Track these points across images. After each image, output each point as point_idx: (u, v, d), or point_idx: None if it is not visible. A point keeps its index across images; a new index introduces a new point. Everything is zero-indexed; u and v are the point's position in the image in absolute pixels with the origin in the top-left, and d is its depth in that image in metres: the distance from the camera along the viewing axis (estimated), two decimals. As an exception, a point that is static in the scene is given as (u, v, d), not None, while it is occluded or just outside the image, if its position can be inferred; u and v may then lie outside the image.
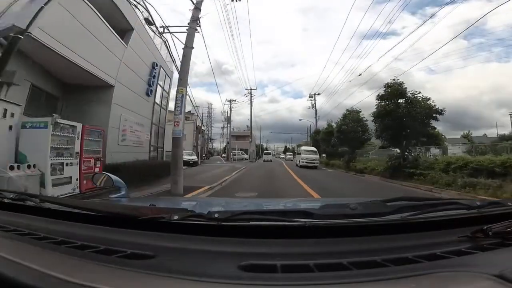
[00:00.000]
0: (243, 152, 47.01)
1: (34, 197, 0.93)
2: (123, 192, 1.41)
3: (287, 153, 53.86)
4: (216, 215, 0.70)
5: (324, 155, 30.19)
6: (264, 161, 39.56)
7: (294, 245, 0.66)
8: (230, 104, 39.55)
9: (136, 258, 0.59)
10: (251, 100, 38.82)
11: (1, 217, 0.85)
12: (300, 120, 44.48)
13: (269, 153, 49.55)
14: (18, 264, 0.54)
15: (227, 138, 54.41)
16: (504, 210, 0.82)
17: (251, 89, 39.08)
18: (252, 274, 0.55)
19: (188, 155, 25.06)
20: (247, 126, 55.91)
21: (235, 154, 42.37)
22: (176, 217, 0.70)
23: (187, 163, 23.97)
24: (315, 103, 38.62)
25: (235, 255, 0.61)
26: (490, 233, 0.67)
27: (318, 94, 38.38)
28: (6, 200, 0.93)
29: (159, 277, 0.53)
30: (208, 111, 60.28)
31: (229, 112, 44.11)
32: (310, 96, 38.77)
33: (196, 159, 24.29)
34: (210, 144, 73.41)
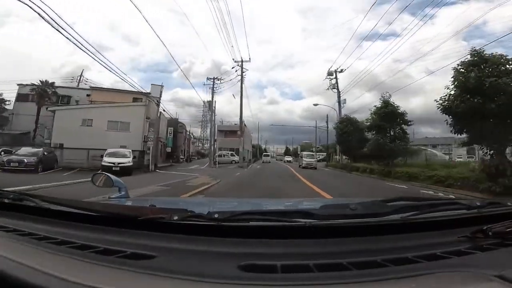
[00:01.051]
0: (232, 153, 35.47)
1: (34, 197, 0.93)
2: (123, 193, 1.40)
3: (305, 152, 32.33)
4: (216, 215, 0.70)
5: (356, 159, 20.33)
6: (263, 162, 37.80)
7: (294, 245, 0.66)
8: (213, 84, 27.51)
9: (136, 258, 0.59)
10: (241, 75, 26.88)
11: (1, 217, 0.84)
12: (315, 105, 32.08)
13: (268, 155, 47.79)
14: (19, 264, 0.54)
15: (214, 134, 42.28)
16: (504, 210, 0.82)
17: (242, 61, 26.75)
18: (252, 274, 0.55)
19: (114, 156, 15.14)
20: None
21: (221, 156, 30.94)
22: (176, 217, 0.70)
23: (108, 170, 12.31)
24: (337, 82, 26.90)
25: (235, 255, 0.61)
26: (490, 233, 0.66)
27: (341, 71, 26.66)
28: (6, 200, 0.92)
29: (159, 277, 0.53)
30: (203, 110, 47.80)
31: (215, 105, 32.73)
32: (330, 74, 27.13)
33: (130, 164, 15.10)
34: (203, 145, 61.66)
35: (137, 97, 23.50)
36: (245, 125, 45.84)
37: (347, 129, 21.36)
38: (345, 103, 26.27)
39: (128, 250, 0.62)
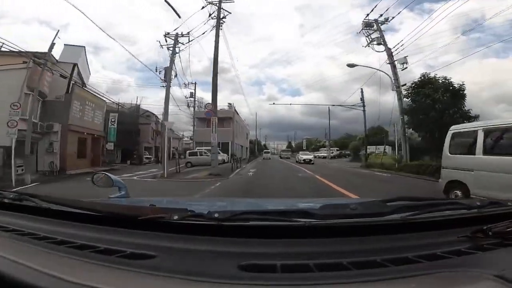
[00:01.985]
0: (220, 150, 24.57)
1: (34, 197, 0.92)
2: (123, 192, 1.37)
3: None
4: (216, 215, 0.70)
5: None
6: (263, 159, 35.82)
7: (294, 245, 0.65)
8: (175, 43, 15.77)
9: (136, 258, 0.59)
10: (218, 22, 14.70)
11: (0, 217, 0.84)
12: (351, 66, 16.62)
13: (268, 152, 46.96)
14: (18, 264, 0.53)
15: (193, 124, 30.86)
16: (504, 210, 0.81)
17: (220, 1, 15.58)
18: (252, 274, 0.54)
19: None
20: (229, 104, 32.66)
21: (195, 154, 20.47)
22: (176, 217, 0.69)
23: None
24: (382, 35, 16.30)
25: (235, 255, 0.60)
26: (490, 233, 0.66)
27: (386, 21, 15.89)
28: (6, 200, 0.91)
29: (159, 277, 0.52)
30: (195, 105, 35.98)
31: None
32: (368, 25, 17.00)
33: None
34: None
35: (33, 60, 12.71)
36: (235, 110, 34.56)
37: (439, 96, 10.49)
38: (406, 63, 15.09)
39: (128, 250, 0.62)
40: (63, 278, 0.49)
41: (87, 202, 0.94)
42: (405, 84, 14.21)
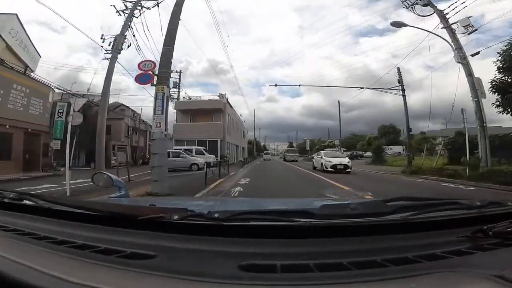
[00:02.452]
0: (200, 148, 19.69)
1: (34, 197, 0.92)
2: (123, 192, 1.39)
3: None
4: (216, 215, 0.70)
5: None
6: (264, 160, 36.94)
7: (294, 245, 0.66)
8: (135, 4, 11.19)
9: (136, 258, 0.59)
10: None
11: (1, 217, 0.84)
12: (396, 25, 12.19)
13: (268, 153, 48.14)
14: (18, 264, 0.54)
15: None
16: (504, 210, 0.81)
17: None
18: (252, 274, 0.55)
19: None
20: (220, 94, 27.98)
21: (172, 155, 16.30)
22: (176, 217, 0.70)
23: None
24: None
25: (235, 255, 0.61)
26: (490, 233, 0.66)
27: None
28: (6, 200, 0.91)
29: (159, 277, 0.53)
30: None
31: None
32: None
33: None
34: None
35: None
36: (227, 102, 29.54)
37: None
38: (471, 25, 10.57)
39: (128, 250, 0.62)
40: (63, 278, 0.49)
41: (87, 202, 0.96)
42: (478, 53, 9.61)
